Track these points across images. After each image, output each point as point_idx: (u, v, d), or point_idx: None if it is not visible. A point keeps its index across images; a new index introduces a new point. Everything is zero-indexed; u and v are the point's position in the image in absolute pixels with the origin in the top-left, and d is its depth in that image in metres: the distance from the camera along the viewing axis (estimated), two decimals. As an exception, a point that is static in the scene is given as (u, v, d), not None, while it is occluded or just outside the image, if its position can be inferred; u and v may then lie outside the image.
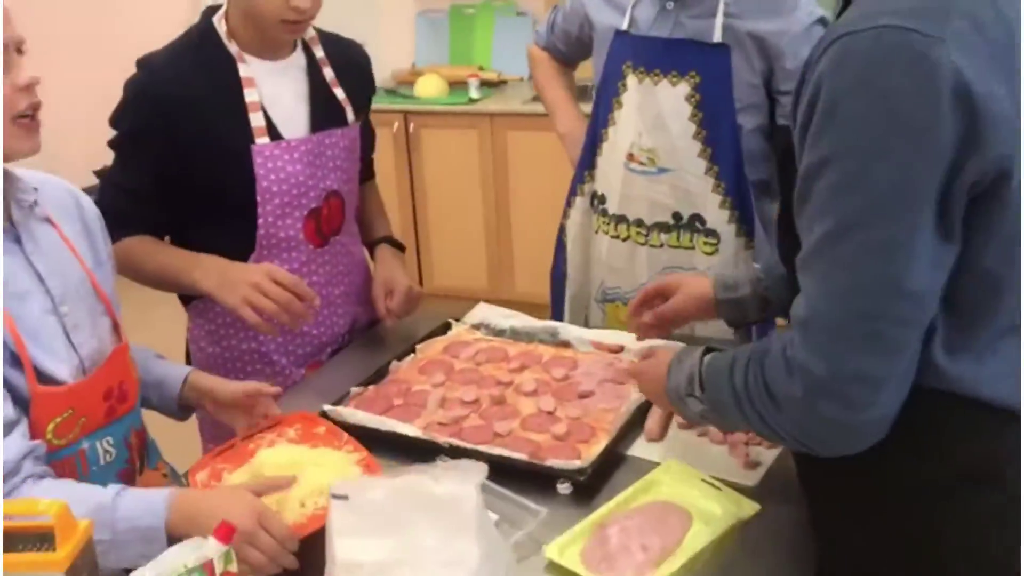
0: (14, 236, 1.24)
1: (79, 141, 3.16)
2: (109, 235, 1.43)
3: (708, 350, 1.17)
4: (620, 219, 1.88)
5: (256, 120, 1.61)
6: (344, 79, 1.75)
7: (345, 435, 1.41)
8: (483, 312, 1.84)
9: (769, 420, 1.03)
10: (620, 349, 1.67)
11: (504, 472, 1.29)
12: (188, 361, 1.78)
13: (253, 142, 1.61)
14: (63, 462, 1.23)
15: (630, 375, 1.49)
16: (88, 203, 1.42)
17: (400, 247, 1.90)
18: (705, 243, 1.83)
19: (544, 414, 1.49)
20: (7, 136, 1.18)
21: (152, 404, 1.48)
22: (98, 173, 4.59)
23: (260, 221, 1.64)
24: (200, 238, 1.66)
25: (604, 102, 1.88)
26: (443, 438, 1.41)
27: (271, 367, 1.73)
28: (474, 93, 3.91)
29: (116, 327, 1.36)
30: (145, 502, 1.15)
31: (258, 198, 1.62)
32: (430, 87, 3.99)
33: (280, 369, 1.73)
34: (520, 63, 4.21)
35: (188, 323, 1.79)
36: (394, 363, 1.68)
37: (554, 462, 1.32)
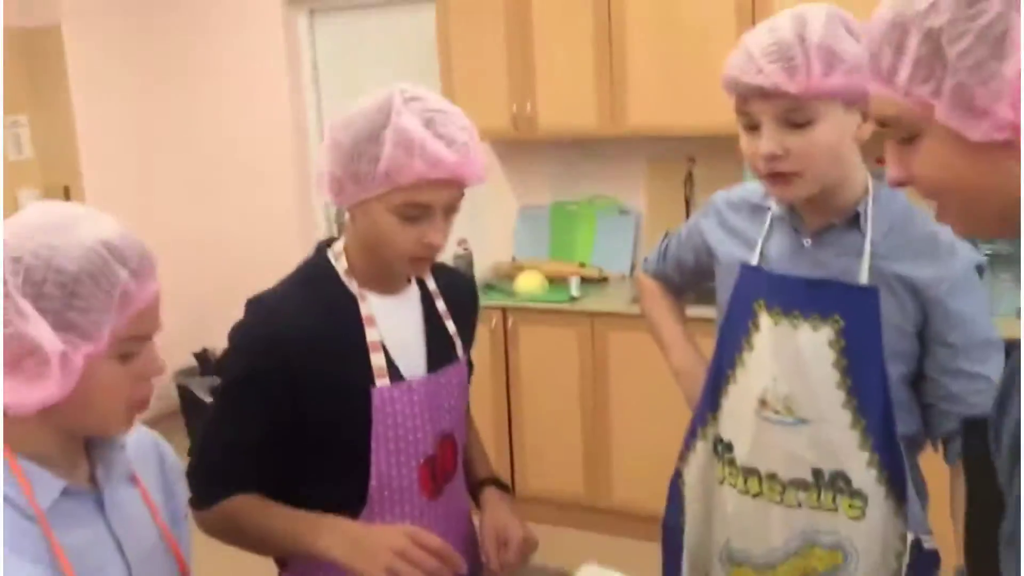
0: (97, 501, 1.15)
1: (179, 325, 3.14)
2: (209, 495, 1.32)
3: None
4: (750, 471, 1.68)
5: (377, 360, 1.49)
6: (454, 311, 1.65)
7: None
8: (592, 574, 1.64)
9: None
10: (756, 635, 1.44)
11: None
12: None
13: (373, 383, 1.48)
14: None
15: None
16: (170, 454, 1.33)
17: (506, 488, 1.74)
18: (850, 505, 1.61)
19: None
20: (110, 417, 1.12)
21: None
22: (198, 356, 4.65)
23: (373, 471, 1.48)
24: (304, 491, 1.49)
25: (731, 340, 1.72)
26: None
27: None
28: (574, 291, 3.82)
29: None
30: None
31: (372, 444, 1.48)
32: (530, 283, 3.93)
33: None
34: (622, 261, 4.14)
35: None
36: (494, 635, 1.48)
37: None
